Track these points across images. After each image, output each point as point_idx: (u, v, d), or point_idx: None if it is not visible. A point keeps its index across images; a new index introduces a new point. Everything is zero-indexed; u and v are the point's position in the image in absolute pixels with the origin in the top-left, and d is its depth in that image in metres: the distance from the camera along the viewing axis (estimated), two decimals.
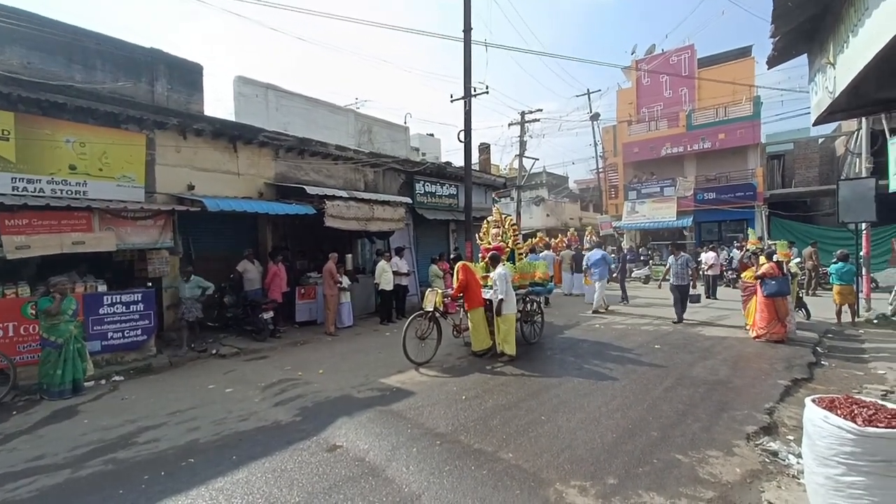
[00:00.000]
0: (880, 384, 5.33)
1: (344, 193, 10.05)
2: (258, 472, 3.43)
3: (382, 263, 9.89)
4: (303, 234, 10.60)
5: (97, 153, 7.12)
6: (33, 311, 5.74)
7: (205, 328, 8.25)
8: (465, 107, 11.66)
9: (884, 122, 12.32)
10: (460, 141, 12.07)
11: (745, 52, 23.06)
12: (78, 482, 3.40)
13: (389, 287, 9.90)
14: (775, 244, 9.89)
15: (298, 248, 10.88)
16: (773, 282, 7.26)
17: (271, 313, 8.40)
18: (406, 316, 9.17)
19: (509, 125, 20.34)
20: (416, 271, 12.63)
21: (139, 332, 6.86)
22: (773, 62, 3.30)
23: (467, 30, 11.33)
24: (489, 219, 8.11)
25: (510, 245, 7.69)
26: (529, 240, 17.01)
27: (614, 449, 3.66)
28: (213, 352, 7.45)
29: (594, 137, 27.28)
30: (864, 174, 11.53)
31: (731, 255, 15.42)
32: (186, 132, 8.30)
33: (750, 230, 13.31)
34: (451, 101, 12.45)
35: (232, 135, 8.96)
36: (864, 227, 10.58)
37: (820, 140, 21.60)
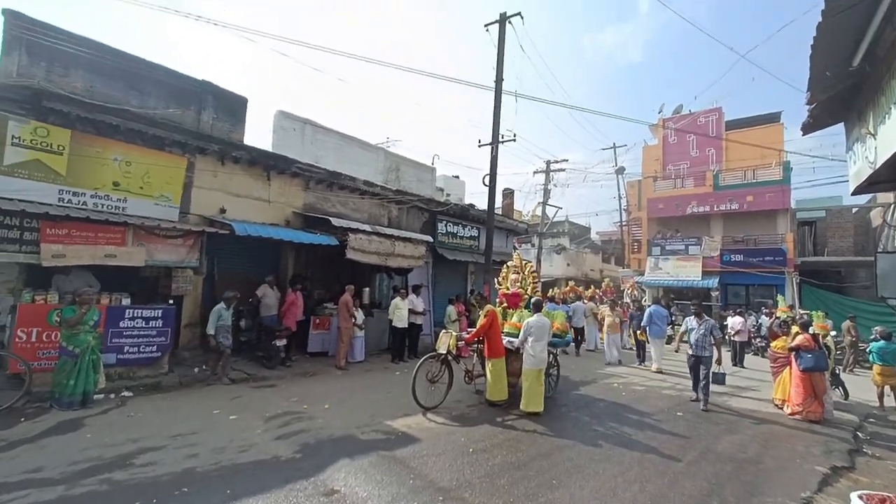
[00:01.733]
0: None
1: (368, 227, 10.22)
2: None
3: (397, 300, 9.84)
4: (323, 264, 10.72)
5: (140, 172, 7.50)
6: (58, 319, 5.88)
7: (216, 351, 8.26)
8: (492, 152, 11.94)
9: None
10: (485, 185, 12.27)
11: (773, 118, 23.20)
12: (70, 501, 3.31)
13: (403, 325, 9.79)
14: (809, 314, 9.41)
15: (318, 278, 10.98)
16: (810, 355, 6.85)
17: (284, 341, 8.37)
18: (418, 356, 8.99)
19: (534, 173, 20.67)
20: (431, 311, 12.51)
21: (154, 348, 6.90)
22: (808, 129, 3.28)
23: (499, 80, 11.79)
24: (509, 264, 8.01)
25: (529, 292, 7.51)
26: (555, 288, 16.67)
27: None
28: (215, 374, 7.39)
29: (619, 190, 27.38)
30: None
31: (759, 321, 14.78)
32: (225, 159, 8.72)
33: (780, 297, 12.79)
34: (479, 146, 12.78)
35: (267, 164, 9.35)
36: None
37: (854, 209, 21.07)
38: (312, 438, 4.81)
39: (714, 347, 7.26)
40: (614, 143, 26.99)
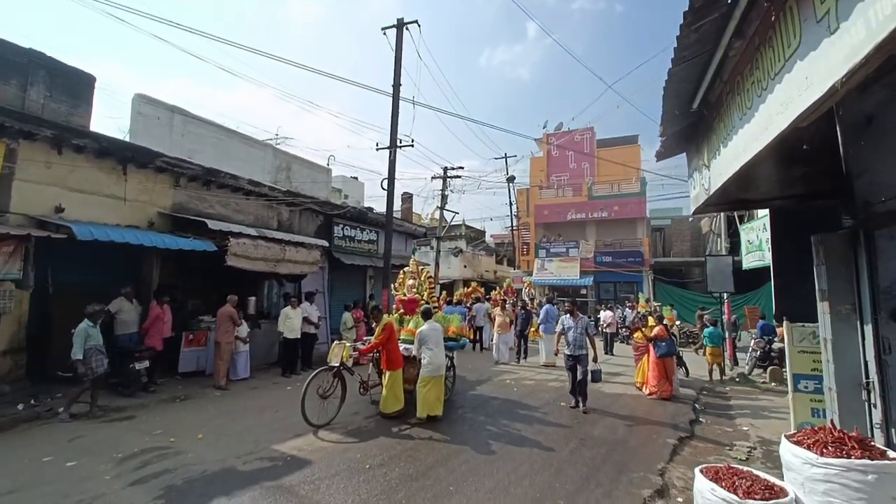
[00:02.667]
0: (745, 441, 5.98)
1: (253, 231, 9.32)
2: None
3: (287, 309, 9.13)
4: (200, 272, 9.44)
5: None
6: None
7: (55, 380, 6.75)
8: (390, 156, 11.83)
9: (735, 212, 15.03)
10: (383, 189, 12.11)
11: (632, 140, 27.15)
12: None
13: (295, 335, 9.12)
14: (660, 307, 11.11)
15: (193, 287, 9.65)
16: (664, 343, 8.06)
17: (146, 363, 7.17)
18: (312, 367, 8.43)
19: (432, 178, 21.02)
20: (328, 318, 11.90)
21: None
22: (660, 157, 3.85)
23: (396, 84, 11.75)
24: (406, 269, 7.85)
25: (425, 297, 7.45)
26: (462, 289, 16.93)
27: None
28: (59, 410, 6.03)
29: (510, 197, 29.30)
30: (723, 251, 13.72)
31: (624, 313, 17.04)
32: (62, 147, 7.16)
33: (640, 294, 14.79)
34: (377, 150, 12.57)
35: (122, 156, 7.94)
36: (725, 296, 12.41)
37: (690, 219, 25.60)
38: (179, 479, 4.14)
39: (590, 345, 7.10)
40: (505, 154, 28.90)
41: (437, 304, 7.73)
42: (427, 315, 6.60)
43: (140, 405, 6.63)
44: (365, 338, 7.97)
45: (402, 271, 7.96)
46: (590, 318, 18.92)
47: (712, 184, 2.87)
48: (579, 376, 7.04)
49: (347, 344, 6.38)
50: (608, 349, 14.00)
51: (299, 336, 9.22)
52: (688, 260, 23.01)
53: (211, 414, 6.34)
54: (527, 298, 16.97)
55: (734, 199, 3.25)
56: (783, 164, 3.00)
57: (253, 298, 10.03)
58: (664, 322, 8.59)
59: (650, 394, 8.12)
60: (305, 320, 9.43)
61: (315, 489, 4.00)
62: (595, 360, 7.24)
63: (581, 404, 7.05)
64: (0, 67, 6.74)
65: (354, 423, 6.04)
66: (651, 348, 8.26)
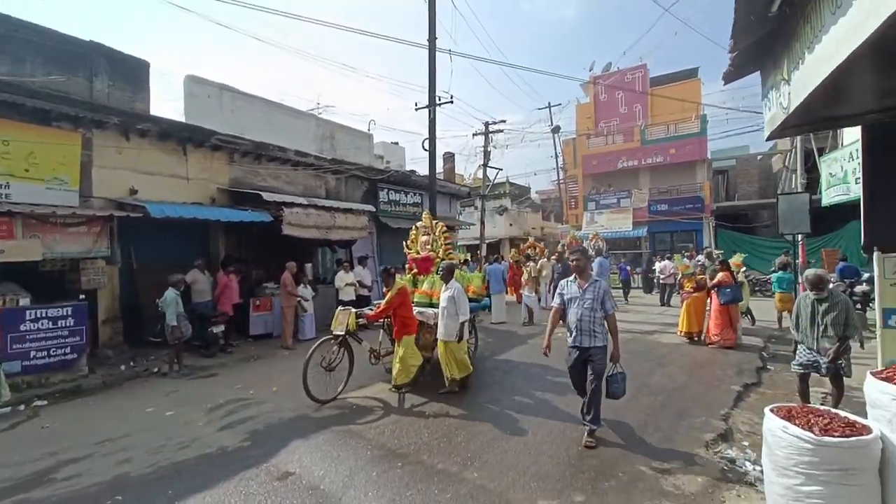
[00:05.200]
0: (820, 387, 5.62)
1: (303, 200, 9.68)
2: None
3: (341, 273, 9.56)
4: (260, 242, 10.07)
5: (23, 152, 6.44)
6: None
7: (146, 344, 7.62)
8: (429, 115, 11.61)
9: (812, 142, 13.42)
10: (425, 149, 12.00)
11: (692, 74, 24.59)
12: None
13: (350, 298, 9.56)
14: (720, 254, 10.37)
15: (255, 258, 10.33)
16: (728, 290, 7.61)
17: (222, 327, 7.88)
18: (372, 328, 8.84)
19: (473, 135, 20.52)
20: (378, 280, 12.33)
21: (68, 349, 6.19)
22: (729, 77, 3.42)
23: (432, 38, 11.32)
24: (418, 224, 7.05)
25: (441, 255, 6.56)
26: (519, 245, 16.19)
27: (580, 464, 3.60)
28: (156, 370, 6.86)
29: (555, 149, 28.06)
30: (799, 189, 12.42)
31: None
32: (129, 132, 7.71)
33: (737, 254, 12.62)
34: (416, 110, 12.37)
35: (181, 136, 8.42)
36: (800, 239, 11.36)
37: (759, 157, 23.26)
38: (261, 424, 4.61)
39: (606, 330, 3.99)
40: (549, 103, 27.40)
41: (453, 263, 6.12)
42: (449, 273, 5.64)
43: (220, 364, 7.35)
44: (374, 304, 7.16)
45: (414, 227, 7.15)
46: (644, 269, 18.09)
47: (792, 100, 2.52)
48: (588, 382, 3.95)
49: (353, 309, 5.75)
50: (664, 300, 13.49)
51: (354, 298, 9.67)
52: (755, 202, 21.09)
53: (283, 370, 6.90)
54: (592, 252, 15.47)
55: (818, 119, 2.86)
56: (882, 68, 2.53)
57: (309, 265, 10.59)
58: (730, 267, 8.08)
59: (710, 343, 7.79)
60: (359, 283, 9.83)
61: (381, 433, 4.30)
62: (615, 358, 3.99)
63: (587, 432, 3.96)
64: (67, 61, 7.24)
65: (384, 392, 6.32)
66: (714, 295, 7.84)
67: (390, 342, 5.99)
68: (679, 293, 10.00)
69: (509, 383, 5.92)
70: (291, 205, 9.10)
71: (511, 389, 5.62)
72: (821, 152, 12.75)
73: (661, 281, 13.91)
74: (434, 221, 6.92)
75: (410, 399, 5.32)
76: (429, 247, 6.71)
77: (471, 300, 6.12)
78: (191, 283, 8.05)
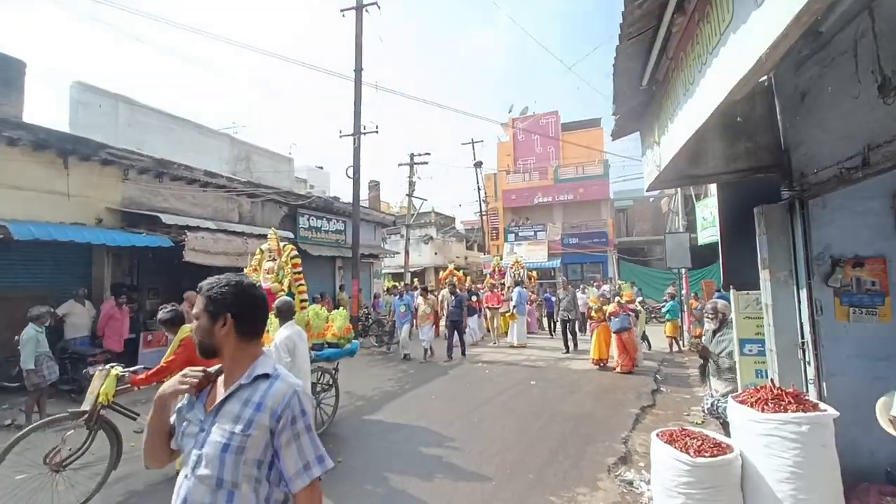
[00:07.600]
0: (700, 406, 6.36)
1: (212, 224, 8.97)
2: None
3: None
4: (160, 269, 9.02)
5: None
6: None
7: (2, 390, 6.33)
8: (354, 143, 11.61)
9: (691, 189, 15.68)
10: (349, 177, 11.88)
11: (595, 123, 27.68)
12: None
13: None
14: (621, 285, 11.52)
15: (154, 287, 9.23)
16: (617, 319, 8.41)
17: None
18: None
19: (399, 165, 20.82)
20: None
21: None
22: (615, 136, 3.96)
23: (358, 69, 11.47)
24: (262, 247, 5.62)
25: (286, 286, 5.15)
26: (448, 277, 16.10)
27: (493, 498, 3.62)
28: (8, 422, 5.69)
29: (478, 183, 29.39)
30: (681, 229, 14.31)
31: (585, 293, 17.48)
32: None
33: (627, 284, 14.34)
34: (341, 137, 12.29)
35: (62, 148, 7.41)
36: (684, 272, 13.00)
37: (651, 199, 26.50)
38: (139, 485, 4.00)
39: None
40: (472, 139, 28.81)
41: (291, 301, 4.56)
42: (287, 313, 4.25)
43: None
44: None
45: (258, 250, 5.74)
46: (559, 299, 19.34)
47: (663, 160, 2.98)
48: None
49: (114, 371, 3.84)
50: (582, 328, 14.34)
51: None
52: (649, 239, 23.89)
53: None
54: (511, 280, 15.94)
55: (684, 175, 3.38)
56: (727, 139, 3.14)
57: None
58: (618, 300, 8.99)
59: (614, 367, 8.48)
60: None
61: None
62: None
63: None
64: None
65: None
66: (609, 325, 8.60)
67: None
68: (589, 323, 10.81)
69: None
70: (197, 229, 8.38)
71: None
72: (697, 198, 14.91)
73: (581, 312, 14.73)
74: (282, 244, 5.44)
75: None
76: (272, 275, 5.17)
77: (331, 345, 5.34)
78: (63, 316, 6.94)
